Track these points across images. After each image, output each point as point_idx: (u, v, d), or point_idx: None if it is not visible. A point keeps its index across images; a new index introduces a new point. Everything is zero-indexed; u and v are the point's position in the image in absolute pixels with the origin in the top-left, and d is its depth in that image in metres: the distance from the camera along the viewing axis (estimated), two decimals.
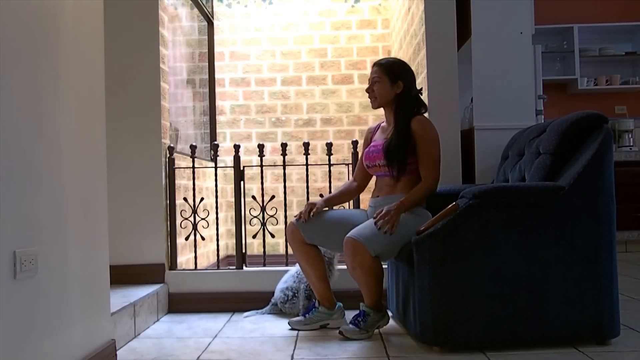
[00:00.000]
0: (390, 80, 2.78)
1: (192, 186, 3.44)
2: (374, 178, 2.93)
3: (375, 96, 2.81)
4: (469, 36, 3.59)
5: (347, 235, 2.56)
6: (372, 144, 2.88)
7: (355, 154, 3.34)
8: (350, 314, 2.75)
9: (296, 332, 2.80)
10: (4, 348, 1.56)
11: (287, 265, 3.34)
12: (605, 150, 2.39)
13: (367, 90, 2.84)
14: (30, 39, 1.75)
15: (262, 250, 3.43)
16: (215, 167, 3.45)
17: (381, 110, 2.94)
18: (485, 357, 2.30)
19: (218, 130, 5.03)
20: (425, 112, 2.84)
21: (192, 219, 3.39)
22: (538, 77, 4.22)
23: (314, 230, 2.78)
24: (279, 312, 3.13)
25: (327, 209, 2.90)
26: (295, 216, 2.83)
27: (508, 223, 2.37)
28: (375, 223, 2.56)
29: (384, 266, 3.19)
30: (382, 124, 2.96)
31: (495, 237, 2.36)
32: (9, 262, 1.60)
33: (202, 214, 3.49)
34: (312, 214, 2.76)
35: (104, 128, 2.28)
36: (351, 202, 3.34)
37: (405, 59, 4.11)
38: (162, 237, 3.27)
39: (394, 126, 2.77)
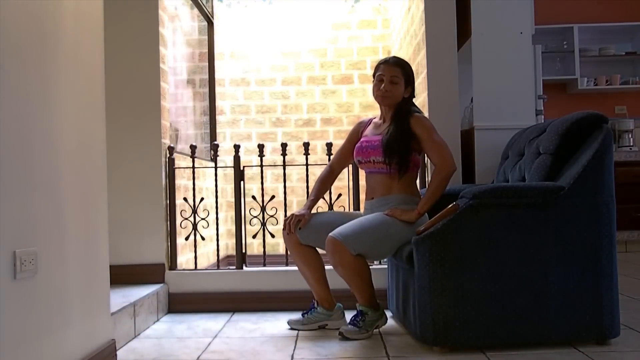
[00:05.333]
0: (405, 83, 2.79)
1: (192, 186, 3.44)
2: (364, 177, 2.93)
3: (391, 95, 2.77)
4: (469, 36, 3.59)
5: (329, 234, 2.58)
6: (363, 139, 2.86)
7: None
8: (350, 315, 2.75)
9: (296, 332, 2.81)
10: (4, 348, 1.56)
11: (287, 265, 3.34)
12: (605, 150, 2.39)
13: (385, 88, 2.76)
14: (30, 39, 1.75)
15: (262, 250, 3.42)
16: (215, 167, 3.45)
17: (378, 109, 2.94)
18: (485, 357, 2.30)
19: (218, 130, 5.02)
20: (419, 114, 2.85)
21: (192, 219, 3.39)
22: (538, 77, 4.21)
23: (309, 232, 2.78)
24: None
25: (316, 211, 2.90)
26: (283, 229, 2.82)
27: (508, 223, 2.37)
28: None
29: (383, 266, 3.21)
30: (375, 120, 2.95)
31: (495, 237, 2.36)
32: (9, 262, 1.59)
33: (202, 214, 3.49)
34: (299, 227, 2.76)
35: (104, 128, 2.28)
36: (351, 203, 3.35)
37: (405, 59, 4.10)
38: (162, 237, 3.27)
39: (392, 123, 2.76)
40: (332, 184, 3.05)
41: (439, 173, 2.65)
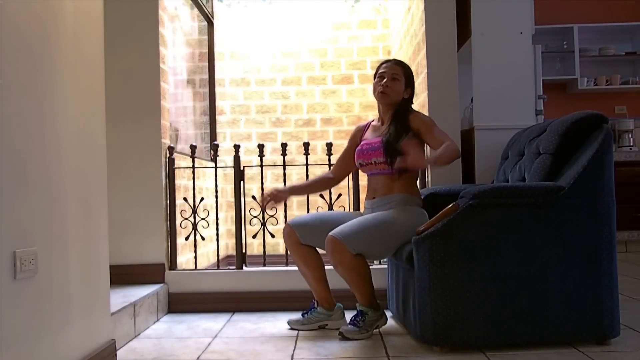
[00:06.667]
0: (405, 83, 2.82)
1: (192, 186, 3.44)
2: (364, 178, 2.93)
3: (391, 91, 2.79)
4: (469, 36, 3.59)
5: (329, 233, 2.58)
6: (364, 142, 2.87)
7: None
8: (350, 315, 2.75)
9: (296, 332, 2.81)
10: (4, 348, 1.56)
11: (287, 265, 3.34)
12: (605, 150, 2.39)
13: (386, 84, 2.77)
14: (30, 39, 1.75)
15: (262, 250, 3.42)
16: (215, 167, 3.45)
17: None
18: (485, 357, 2.30)
19: (218, 130, 5.02)
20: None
21: (192, 219, 3.39)
22: (538, 77, 4.21)
23: (309, 231, 2.78)
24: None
25: (317, 211, 2.90)
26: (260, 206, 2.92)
27: (508, 223, 2.37)
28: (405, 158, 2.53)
29: (383, 266, 3.21)
30: (373, 123, 2.96)
31: (495, 237, 2.36)
32: (9, 262, 1.60)
33: (202, 214, 3.49)
34: (266, 203, 2.86)
35: (104, 128, 2.28)
36: (351, 203, 3.35)
37: (405, 59, 4.11)
38: (162, 237, 3.27)
39: (390, 123, 2.77)
40: (328, 187, 3.07)
41: (449, 144, 2.58)
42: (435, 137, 2.69)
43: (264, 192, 2.86)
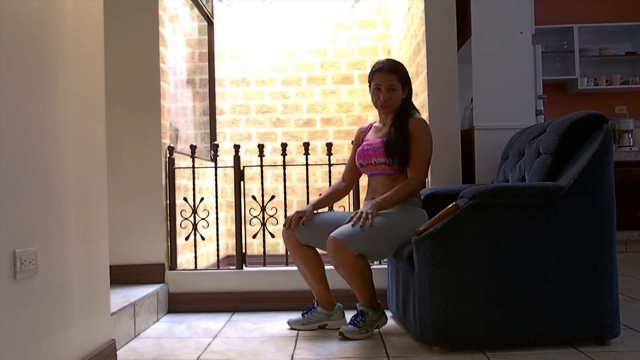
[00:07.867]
0: (402, 87, 2.80)
1: (192, 186, 3.44)
2: (364, 178, 2.93)
3: (391, 103, 2.77)
4: (469, 36, 3.59)
5: (330, 234, 2.58)
6: (365, 143, 2.86)
7: None
8: (350, 315, 2.75)
9: (296, 332, 2.81)
10: (4, 348, 1.56)
11: (287, 265, 3.34)
12: (605, 150, 2.39)
13: (385, 98, 2.75)
14: (30, 38, 1.75)
15: (262, 250, 3.42)
16: (215, 167, 3.45)
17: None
18: (485, 357, 2.30)
19: (218, 130, 5.02)
20: (418, 115, 2.84)
21: (192, 219, 3.39)
22: (538, 77, 4.22)
23: (309, 231, 2.78)
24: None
25: (317, 212, 2.88)
26: (283, 225, 2.83)
27: (508, 223, 2.37)
28: (352, 224, 2.57)
29: (383, 266, 3.21)
30: (375, 124, 2.96)
31: (495, 237, 2.36)
32: (9, 262, 1.60)
33: (202, 214, 3.49)
34: (302, 222, 2.77)
35: (104, 128, 2.28)
36: (351, 203, 3.34)
37: (405, 59, 4.11)
38: (162, 237, 3.27)
39: (392, 124, 2.77)
40: (344, 195, 3.04)
41: (407, 183, 2.67)
42: (415, 154, 2.67)
43: (293, 216, 2.80)
